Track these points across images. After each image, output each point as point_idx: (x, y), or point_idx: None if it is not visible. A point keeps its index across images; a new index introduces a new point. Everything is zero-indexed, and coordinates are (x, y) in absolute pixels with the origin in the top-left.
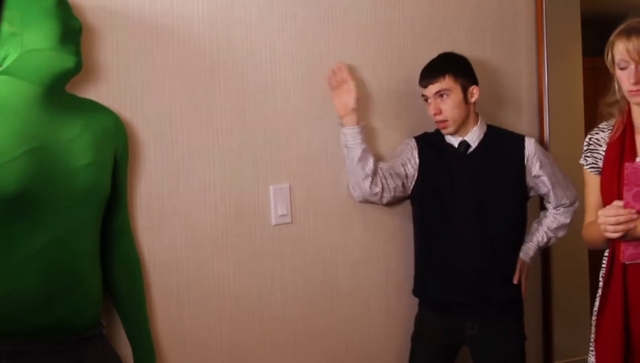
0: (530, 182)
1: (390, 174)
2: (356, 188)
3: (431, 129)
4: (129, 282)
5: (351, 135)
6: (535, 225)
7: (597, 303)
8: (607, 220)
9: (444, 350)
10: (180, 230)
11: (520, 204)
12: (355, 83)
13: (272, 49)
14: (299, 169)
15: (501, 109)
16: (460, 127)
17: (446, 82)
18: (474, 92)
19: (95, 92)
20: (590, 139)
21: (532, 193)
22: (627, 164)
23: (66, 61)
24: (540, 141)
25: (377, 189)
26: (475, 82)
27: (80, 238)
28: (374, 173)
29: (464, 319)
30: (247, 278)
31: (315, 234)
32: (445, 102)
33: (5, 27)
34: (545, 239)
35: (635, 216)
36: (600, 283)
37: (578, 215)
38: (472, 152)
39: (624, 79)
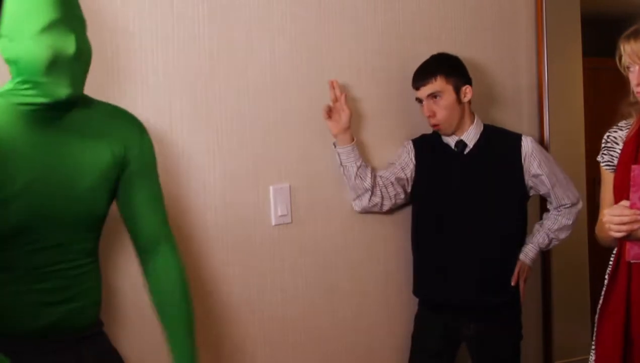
0: (529, 181)
1: (390, 181)
2: (357, 202)
3: (430, 130)
4: (165, 300)
5: (345, 154)
6: (536, 226)
7: (601, 300)
8: (612, 219)
9: (443, 349)
10: (180, 230)
11: (519, 204)
12: (347, 101)
13: (272, 49)
14: (299, 169)
15: (501, 108)
16: (456, 127)
17: (438, 84)
18: (467, 92)
19: (95, 93)
20: (608, 136)
21: (532, 193)
22: (634, 166)
23: (57, 91)
24: (540, 141)
25: (377, 200)
26: (468, 81)
27: (78, 246)
28: (373, 186)
29: (461, 319)
30: (247, 278)
31: (315, 234)
32: (438, 104)
33: (5, 53)
34: (546, 241)
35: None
36: (606, 281)
37: (580, 216)
38: (469, 151)
39: (631, 80)
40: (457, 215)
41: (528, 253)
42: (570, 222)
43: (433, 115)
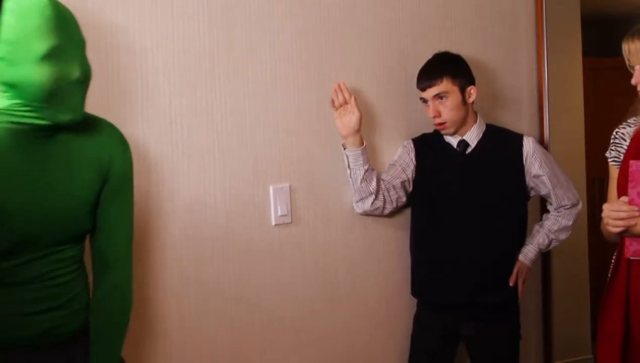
0: (530, 182)
1: (392, 185)
2: (359, 204)
3: (430, 130)
4: (103, 319)
5: (353, 157)
6: (536, 227)
7: (602, 298)
8: (610, 214)
9: (442, 349)
10: (180, 230)
11: (520, 204)
12: (357, 103)
13: (272, 49)
14: (299, 169)
15: (501, 108)
16: (460, 127)
17: (444, 85)
18: (472, 92)
19: (95, 93)
20: (616, 132)
21: (532, 194)
22: (632, 162)
23: (59, 116)
24: (540, 141)
25: (379, 204)
26: (472, 81)
27: (66, 255)
28: (377, 191)
29: (460, 319)
30: (247, 278)
31: (315, 234)
32: (444, 104)
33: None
34: (546, 241)
35: (637, 214)
36: (608, 279)
37: (580, 217)
38: (471, 151)
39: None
40: (457, 215)
41: (527, 254)
42: (570, 223)
43: (438, 115)
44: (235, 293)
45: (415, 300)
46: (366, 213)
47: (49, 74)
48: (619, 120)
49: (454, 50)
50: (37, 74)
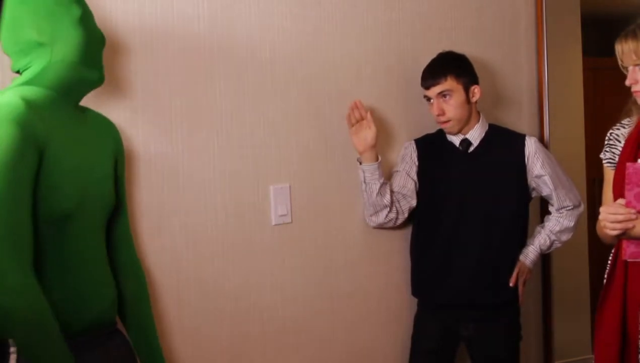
0: (532, 182)
1: (402, 195)
2: (373, 218)
3: (432, 130)
4: (136, 291)
5: (370, 172)
6: (538, 228)
7: (599, 299)
8: (607, 217)
9: (442, 350)
10: (180, 230)
11: (522, 204)
12: (373, 119)
13: (272, 49)
14: (299, 169)
15: (501, 108)
16: (463, 125)
17: (448, 83)
18: (476, 92)
19: (95, 93)
20: (610, 134)
21: (534, 194)
22: (628, 164)
23: (91, 74)
24: (540, 141)
25: (393, 216)
26: (476, 81)
27: (101, 243)
28: (391, 204)
29: (460, 320)
30: (247, 278)
31: (315, 234)
32: (448, 103)
33: (34, 36)
34: (547, 242)
35: (634, 216)
36: (605, 281)
37: (582, 218)
38: (473, 150)
39: (627, 80)
40: (458, 214)
41: (528, 254)
42: (572, 224)
43: (442, 113)
44: (235, 293)
45: (415, 300)
46: (380, 226)
47: (86, 35)
48: (618, 120)
49: (454, 50)
50: (76, 31)
